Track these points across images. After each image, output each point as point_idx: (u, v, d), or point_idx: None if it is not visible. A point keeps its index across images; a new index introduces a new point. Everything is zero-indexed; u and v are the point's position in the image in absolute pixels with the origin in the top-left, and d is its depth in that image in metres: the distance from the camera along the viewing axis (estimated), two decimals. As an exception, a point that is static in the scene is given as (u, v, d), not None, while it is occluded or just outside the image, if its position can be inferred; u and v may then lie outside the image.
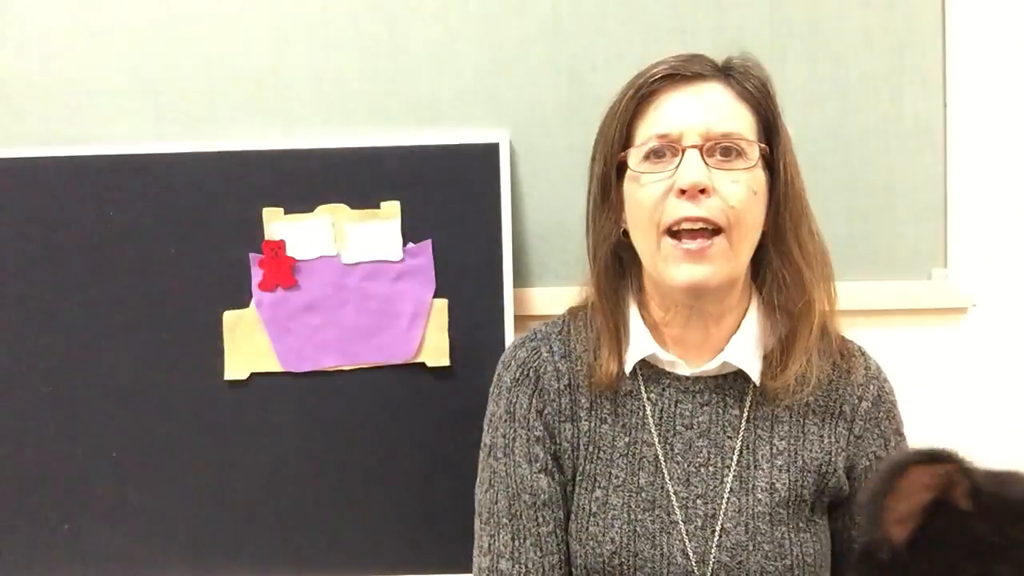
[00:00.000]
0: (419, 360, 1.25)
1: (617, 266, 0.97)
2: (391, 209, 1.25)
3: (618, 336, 0.96)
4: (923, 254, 1.31)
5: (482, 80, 1.29)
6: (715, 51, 0.96)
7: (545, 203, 1.28)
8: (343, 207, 1.25)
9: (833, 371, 0.97)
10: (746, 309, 0.96)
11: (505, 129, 1.27)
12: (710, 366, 0.94)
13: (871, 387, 0.98)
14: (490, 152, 1.25)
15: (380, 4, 1.28)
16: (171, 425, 1.26)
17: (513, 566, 0.94)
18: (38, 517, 1.27)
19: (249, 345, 1.25)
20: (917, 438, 0.98)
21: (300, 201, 1.24)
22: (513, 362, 1.01)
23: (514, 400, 0.98)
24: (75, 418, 1.26)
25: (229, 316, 1.25)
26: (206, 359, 1.25)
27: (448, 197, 1.24)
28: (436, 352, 1.25)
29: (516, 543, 0.95)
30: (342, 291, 1.25)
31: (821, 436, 0.95)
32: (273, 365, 1.26)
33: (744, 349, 0.94)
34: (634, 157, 0.92)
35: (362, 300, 1.25)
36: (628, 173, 0.93)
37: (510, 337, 1.24)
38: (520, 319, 1.26)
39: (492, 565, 0.95)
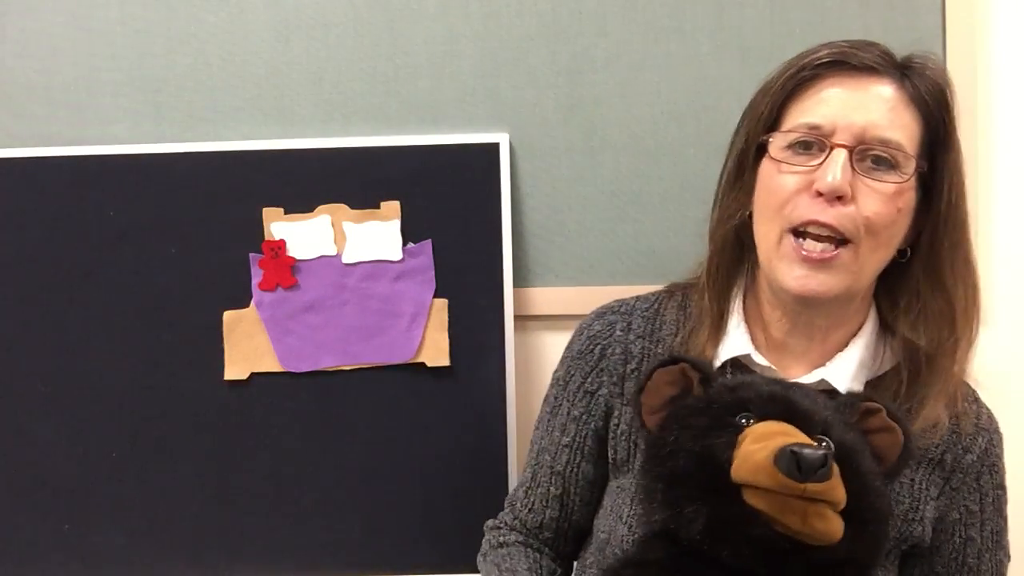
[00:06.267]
0: (419, 360, 1.25)
1: (736, 250, 0.90)
2: (391, 209, 1.25)
3: (720, 323, 0.89)
4: (923, 254, 1.31)
5: (482, 80, 1.28)
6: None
7: (545, 203, 1.28)
8: (343, 207, 1.24)
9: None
10: (858, 327, 0.88)
11: (505, 129, 1.27)
12: (806, 379, 0.85)
13: (980, 439, 0.89)
14: (490, 152, 1.25)
15: (380, 4, 1.28)
16: (171, 425, 1.26)
17: (525, 496, 1.01)
18: (38, 517, 1.26)
19: (249, 345, 1.25)
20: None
21: (300, 201, 1.24)
22: (586, 332, 0.97)
23: (572, 372, 0.98)
24: (75, 418, 1.26)
25: (229, 316, 1.25)
26: (206, 359, 1.25)
27: (448, 197, 1.24)
28: (436, 352, 1.25)
29: (532, 484, 1.00)
30: (342, 291, 1.25)
31: (912, 480, 0.87)
32: (273, 365, 1.25)
33: (847, 369, 0.86)
34: (778, 142, 0.84)
35: (362, 300, 1.25)
36: (767, 157, 0.85)
37: (510, 337, 1.24)
38: (520, 319, 1.26)
39: (515, 492, 1.03)
